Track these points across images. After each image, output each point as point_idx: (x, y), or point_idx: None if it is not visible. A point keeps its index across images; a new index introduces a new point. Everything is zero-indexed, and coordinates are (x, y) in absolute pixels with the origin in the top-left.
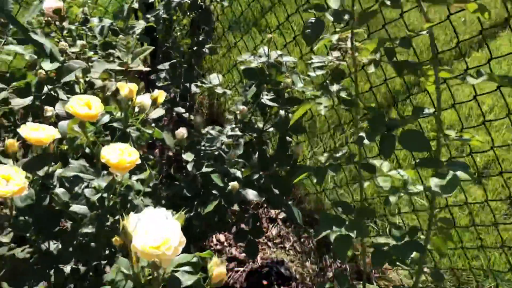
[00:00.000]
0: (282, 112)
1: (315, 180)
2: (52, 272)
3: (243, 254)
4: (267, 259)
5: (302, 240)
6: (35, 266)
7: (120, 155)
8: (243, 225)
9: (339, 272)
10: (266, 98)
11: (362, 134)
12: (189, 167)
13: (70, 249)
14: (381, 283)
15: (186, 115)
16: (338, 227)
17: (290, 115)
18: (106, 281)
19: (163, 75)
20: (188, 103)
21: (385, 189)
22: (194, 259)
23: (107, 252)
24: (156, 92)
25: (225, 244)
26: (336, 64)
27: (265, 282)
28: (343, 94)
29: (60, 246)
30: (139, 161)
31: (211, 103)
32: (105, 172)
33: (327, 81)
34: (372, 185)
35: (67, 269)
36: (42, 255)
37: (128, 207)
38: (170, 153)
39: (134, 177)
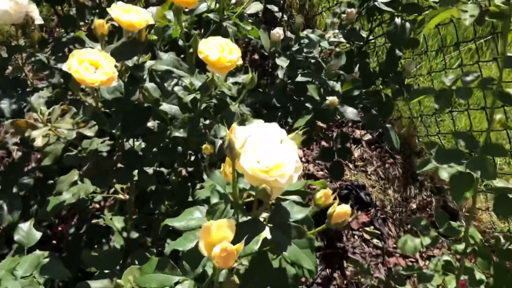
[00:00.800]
0: (397, 20)
1: (436, 105)
2: (135, 172)
3: (321, 172)
4: (346, 182)
5: (386, 166)
6: (118, 165)
7: (220, 51)
8: (323, 143)
9: (440, 212)
10: (380, 1)
11: None
12: (280, 74)
13: (155, 149)
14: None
15: (278, 14)
16: (457, 163)
17: (407, 24)
18: (198, 197)
19: None
20: (281, 1)
21: None
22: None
23: (192, 158)
24: None
25: (303, 159)
26: None
27: None
28: (497, 1)
29: (143, 146)
30: (240, 61)
31: (302, 4)
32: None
33: None
34: (465, 116)
35: (150, 170)
36: (126, 154)
37: (223, 113)
38: (256, 56)
39: (231, 79)
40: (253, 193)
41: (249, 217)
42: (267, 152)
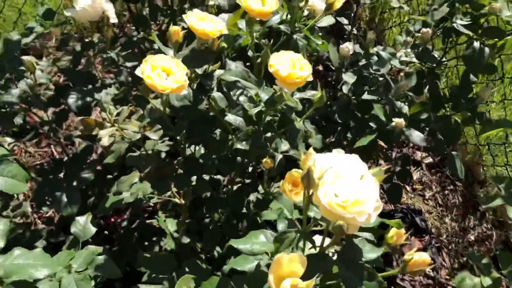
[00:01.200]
0: (476, 44)
1: None
2: (194, 178)
3: None
4: (402, 204)
5: (446, 192)
6: (178, 171)
7: (291, 67)
8: (382, 162)
9: (502, 252)
10: (459, 23)
11: None
12: (345, 89)
13: (214, 156)
14: None
15: (348, 27)
16: None
17: (486, 48)
18: (263, 220)
19: None
20: (352, 14)
21: None
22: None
23: (250, 169)
24: None
25: None
26: None
27: None
28: None
29: (202, 151)
30: (310, 78)
31: (371, 18)
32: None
33: None
34: None
35: (206, 177)
36: (187, 160)
37: (287, 128)
38: (319, 67)
39: (298, 94)
40: (322, 223)
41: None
42: (347, 187)
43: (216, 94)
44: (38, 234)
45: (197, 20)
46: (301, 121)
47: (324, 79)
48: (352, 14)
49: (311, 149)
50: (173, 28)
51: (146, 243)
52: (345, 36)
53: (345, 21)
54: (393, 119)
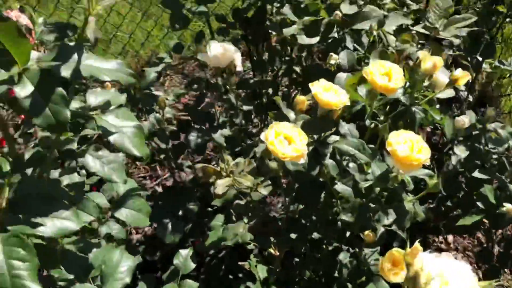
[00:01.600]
0: None
1: None
2: (294, 236)
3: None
4: (498, 286)
5: None
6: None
7: (410, 148)
8: (479, 234)
9: None
10: None
11: None
12: (454, 160)
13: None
14: None
15: (464, 93)
16: None
17: None
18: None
19: (457, 42)
20: (470, 81)
21: None
22: None
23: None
24: (459, 72)
25: (451, 246)
26: None
27: None
28: None
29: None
30: (427, 162)
31: (487, 82)
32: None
33: None
34: None
35: None
36: (291, 220)
37: (394, 206)
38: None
39: (411, 172)
40: None
41: None
42: None
43: (329, 162)
44: (135, 250)
45: (322, 90)
46: (411, 202)
47: (430, 141)
48: (470, 81)
49: (417, 245)
50: (299, 98)
51: (232, 277)
52: (457, 95)
53: (462, 87)
54: (505, 204)
